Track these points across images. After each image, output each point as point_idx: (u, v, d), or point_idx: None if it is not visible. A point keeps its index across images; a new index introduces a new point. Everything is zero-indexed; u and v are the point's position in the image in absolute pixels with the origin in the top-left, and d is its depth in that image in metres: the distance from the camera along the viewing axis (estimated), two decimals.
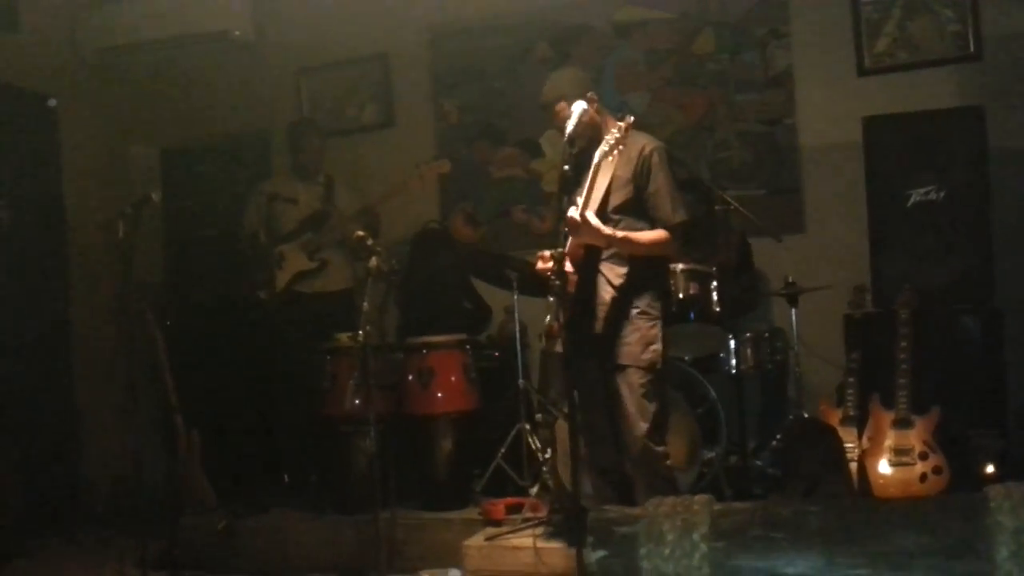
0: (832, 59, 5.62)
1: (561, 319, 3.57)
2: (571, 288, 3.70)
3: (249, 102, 6.74)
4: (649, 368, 3.80)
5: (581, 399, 3.90)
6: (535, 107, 4.07)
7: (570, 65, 5.28)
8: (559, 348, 3.77)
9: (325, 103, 6.77)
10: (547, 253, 3.66)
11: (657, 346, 3.83)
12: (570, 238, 3.71)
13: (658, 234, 3.80)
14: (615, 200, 3.72)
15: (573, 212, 3.63)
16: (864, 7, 5.57)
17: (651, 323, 3.83)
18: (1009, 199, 4.98)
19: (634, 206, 3.80)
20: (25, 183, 6.28)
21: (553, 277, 3.56)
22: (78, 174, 6.63)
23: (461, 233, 5.93)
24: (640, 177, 3.78)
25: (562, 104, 3.85)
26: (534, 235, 6.07)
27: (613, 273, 3.83)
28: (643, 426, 3.77)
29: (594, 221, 3.63)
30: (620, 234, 3.72)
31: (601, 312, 3.81)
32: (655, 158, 3.83)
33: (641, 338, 3.79)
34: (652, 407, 3.80)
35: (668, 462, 3.89)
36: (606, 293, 3.82)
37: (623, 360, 3.79)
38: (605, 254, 3.84)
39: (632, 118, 3.62)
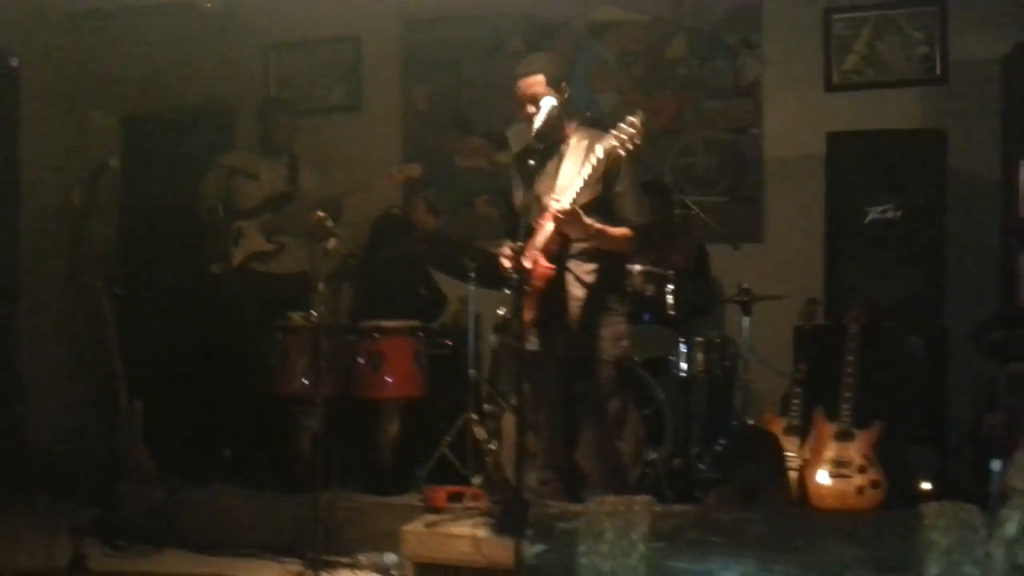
0: (801, 72, 5.67)
1: (515, 312, 3.57)
2: (540, 282, 3.70)
3: (215, 75, 6.66)
4: (616, 363, 3.83)
5: (538, 393, 3.94)
6: (505, 99, 4.05)
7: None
8: (530, 344, 3.78)
9: (292, 81, 6.71)
10: (508, 248, 3.67)
11: (625, 341, 3.89)
12: (542, 231, 3.71)
13: (624, 231, 3.82)
14: (583, 197, 3.72)
15: (559, 204, 3.62)
16: (835, 23, 5.63)
17: (619, 319, 3.87)
18: (964, 223, 5.07)
19: (599, 204, 3.80)
20: None
21: (512, 269, 3.56)
22: (36, 136, 6.52)
23: (421, 220, 5.90)
24: (611, 174, 3.75)
25: (537, 79, 3.81)
26: (497, 227, 6.06)
27: (581, 270, 3.84)
28: (605, 420, 3.79)
29: (581, 213, 3.64)
30: (598, 227, 3.72)
31: (573, 307, 3.82)
32: (623, 156, 3.84)
33: (612, 333, 3.83)
34: (616, 402, 3.85)
35: (624, 459, 3.91)
36: (577, 289, 3.83)
37: (592, 354, 3.80)
38: (573, 250, 3.83)
39: (643, 115, 3.57)
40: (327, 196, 5.59)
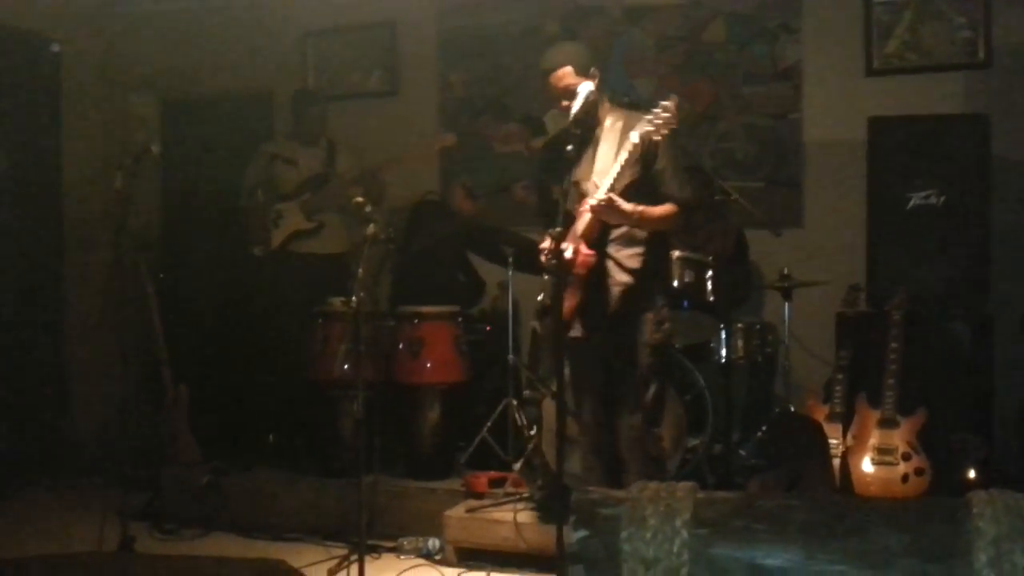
0: (841, 57, 5.62)
1: (554, 299, 3.58)
2: (581, 270, 3.71)
3: (254, 61, 6.70)
4: (657, 348, 3.83)
5: (579, 379, 3.94)
6: (541, 84, 4.04)
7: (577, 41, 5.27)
8: (573, 331, 3.78)
9: (330, 67, 6.73)
10: (548, 238, 3.68)
11: (668, 326, 3.88)
12: (582, 218, 3.71)
13: (668, 208, 3.80)
14: (621, 183, 3.72)
15: (598, 195, 3.62)
16: (876, 7, 5.57)
17: (662, 304, 3.86)
18: (1008, 208, 5.02)
19: (640, 185, 3.79)
20: (24, 128, 6.25)
21: (550, 256, 3.57)
22: (78, 122, 6.61)
23: (459, 206, 5.91)
24: (648, 155, 3.75)
25: (565, 71, 3.81)
26: (534, 212, 6.07)
27: (623, 255, 3.83)
28: (643, 406, 3.80)
29: (619, 201, 3.64)
30: (639, 209, 3.72)
31: (616, 292, 3.82)
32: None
33: (653, 318, 3.83)
34: (654, 388, 3.84)
35: (662, 445, 3.92)
36: (620, 274, 3.82)
37: (634, 339, 3.80)
38: (613, 234, 3.83)
39: (676, 98, 3.59)
40: (364, 168, 5.64)
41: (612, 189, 3.64)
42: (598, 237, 3.77)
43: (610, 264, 3.83)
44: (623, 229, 3.82)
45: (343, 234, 5.75)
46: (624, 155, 3.61)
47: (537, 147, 6.04)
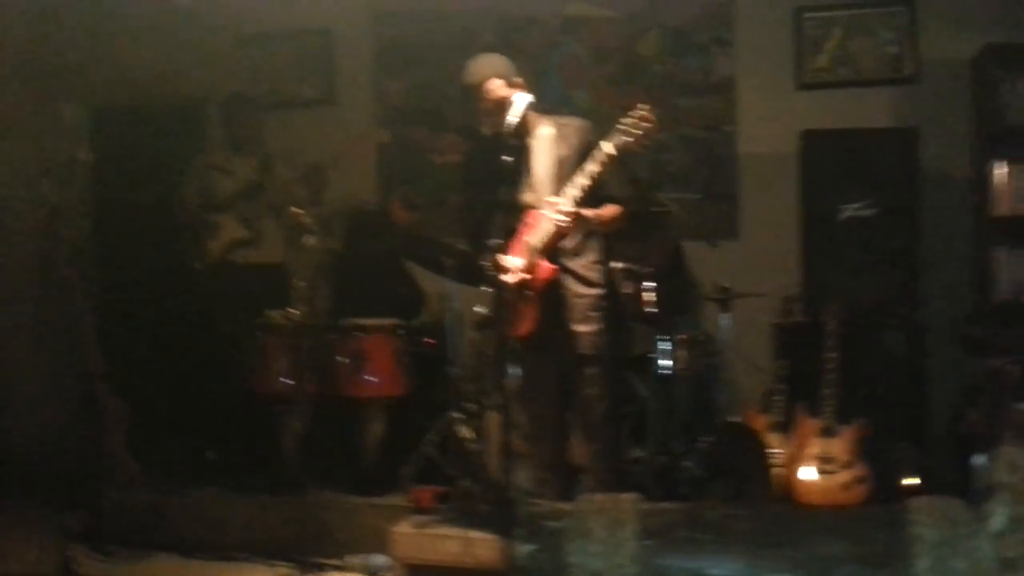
0: (773, 70, 5.72)
1: (497, 311, 3.59)
2: (541, 285, 3.71)
3: (187, 67, 6.57)
4: (618, 358, 3.92)
5: (532, 392, 3.97)
6: (466, 98, 4.05)
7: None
8: (534, 346, 3.79)
9: (264, 74, 6.66)
10: (503, 258, 3.70)
11: (626, 337, 3.91)
12: (536, 231, 3.71)
13: (615, 208, 3.82)
14: (565, 187, 3.72)
15: (562, 209, 3.60)
16: (806, 22, 5.69)
17: (619, 314, 3.90)
18: (937, 220, 5.15)
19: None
20: None
21: (490, 267, 3.57)
22: (6, 129, 6.43)
23: (398, 217, 5.89)
24: (587, 158, 3.73)
25: (494, 83, 3.83)
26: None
27: (578, 265, 3.85)
28: (605, 416, 3.83)
29: (584, 212, 3.64)
30: (596, 213, 3.72)
31: (578, 304, 3.83)
32: (596, 139, 3.81)
33: (612, 328, 3.87)
34: (616, 397, 3.94)
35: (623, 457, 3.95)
36: (579, 287, 3.84)
37: (590, 352, 3.82)
38: (566, 245, 3.83)
39: (649, 105, 3.54)
40: (307, 166, 5.57)
41: (577, 201, 3.63)
42: (555, 249, 3.78)
43: (568, 277, 3.83)
44: (571, 239, 3.82)
45: (279, 243, 5.69)
46: (593, 167, 3.58)
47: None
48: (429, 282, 5.65)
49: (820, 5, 5.66)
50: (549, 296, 3.77)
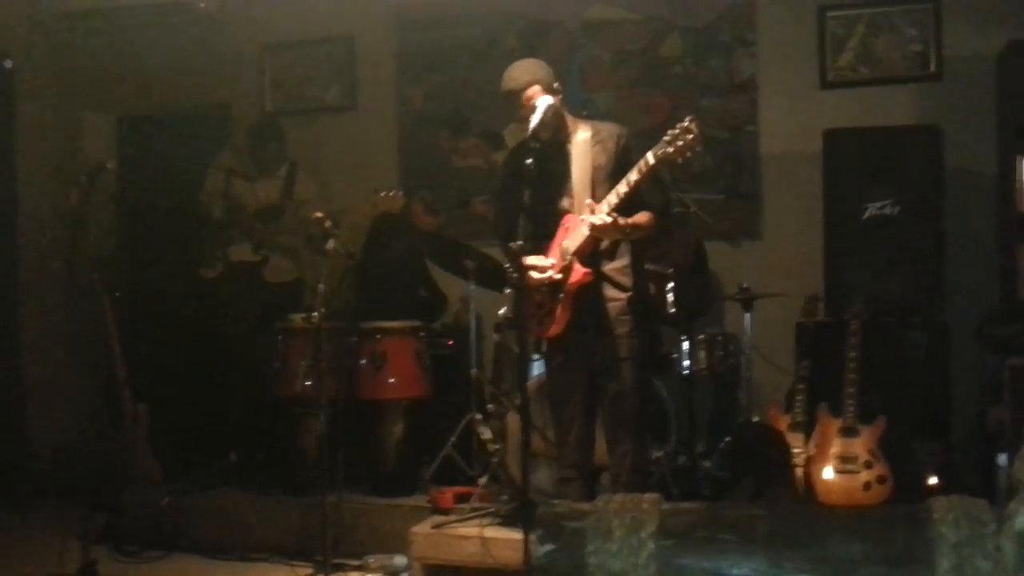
0: (796, 70, 5.69)
1: (517, 312, 3.58)
2: (575, 288, 3.71)
3: (210, 75, 6.65)
4: (644, 362, 3.85)
5: (557, 396, 3.96)
6: (500, 99, 4.04)
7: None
8: (560, 349, 3.79)
9: (287, 82, 6.71)
10: (536, 260, 3.71)
11: (656, 340, 3.89)
12: (573, 236, 3.71)
13: (649, 215, 3.78)
14: (602, 192, 3.71)
15: (596, 216, 3.59)
16: (829, 21, 5.65)
17: (651, 317, 3.88)
18: (962, 218, 5.10)
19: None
20: None
21: (511, 270, 3.56)
22: (32, 139, 6.52)
23: (420, 220, 5.90)
24: (624, 165, 3.70)
25: (535, 89, 3.80)
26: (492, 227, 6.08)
27: (611, 269, 3.83)
28: (636, 418, 3.81)
29: (620, 219, 3.61)
30: (631, 222, 3.68)
31: (611, 308, 3.81)
32: (631, 144, 3.85)
33: (640, 332, 3.83)
34: (645, 400, 3.89)
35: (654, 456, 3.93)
36: (613, 291, 3.82)
37: (623, 354, 3.79)
38: (601, 249, 3.81)
39: (697, 119, 3.46)
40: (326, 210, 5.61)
41: (614, 208, 3.61)
42: (590, 254, 3.78)
43: (601, 281, 3.81)
44: (606, 242, 3.82)
45: (289, 265, 5.71)
46: (633, 175, 3.54)
47: (498, 161, 6.06)
48: (450, 285, 5.67)
49: (843, 3, 5.62)
50: (581, 299, 3.75)
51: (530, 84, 3.82)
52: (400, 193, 5.33)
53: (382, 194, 5.07)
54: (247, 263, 5.59)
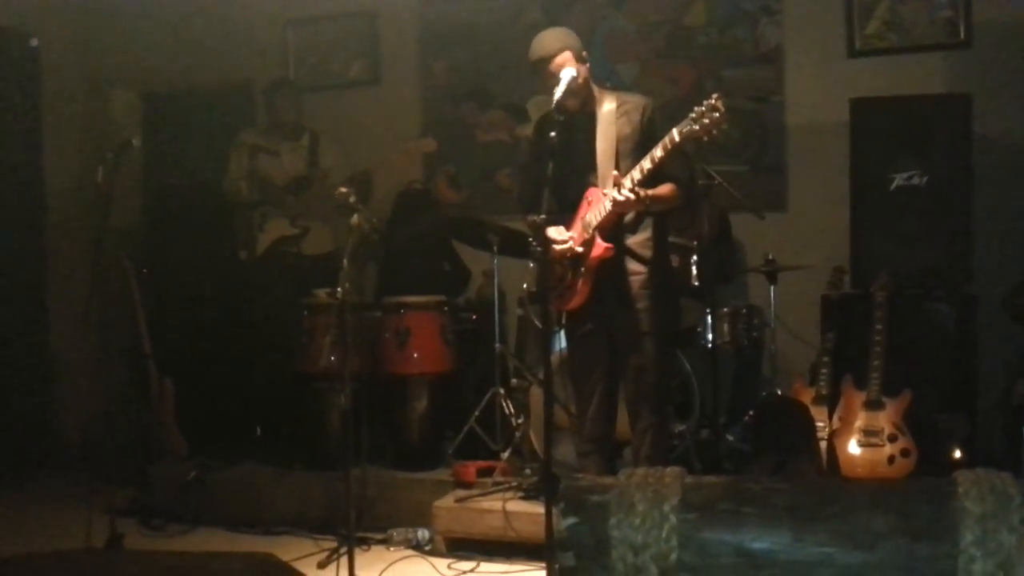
0: (822, 39, 5.62)
1: (540, 286, 3.57)
2: (598, 262, 3.70)
3: (235, 51, 6.66)
4: (669, 335, 3.85)
5: (577, 369, 3.98)
6: (523, 71, 4.01)
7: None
8: (583, 323, 3.81)
9: (311, 57, 6.71)
10: (556, 232, 3.71)
11: (678, 313, 3.90)
12: (595, 209, 3.70)
13: (671, 187, 3.77)
14: (627, 165, 3.70)
15: (623, 191, 3.58)
16: None
17: (672, 291, 3.86)
18: (991, 188, 5.02)
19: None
20: (4, 124, 6.20)
21: (534, 243, 3.55)
22: (58, 117, 6.56)
23: (444, 195, 5.91)
24: (649, 138, 3.71)
25: (565, 56, 3.78)
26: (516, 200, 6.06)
27: (634, 243, 3.82)
28: (658, 393, 3.81)
29: (643, 193, 3.61)
30: (652, 194, 3.67)
31: (633, 282, 3.81)
32: (656, 116, 3.85)
33: (666, 306, 3.84)
34: (666, 374, 3.89)
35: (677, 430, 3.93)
36: (635, 264, 3.81)
37: (644, 328, 3.79)
38: (624, 222, 3.80)
39: (723, 96, 3.46)
40: (355, 171, 5.61)
41: (637, 183, 3.60)
42: (613, 228, 3.76)
43: (623, 254, 3.80)
44: (629, 215, 3.80)
45: (328, 234, 5.72)
46: (658, 151, 3.54)
47: (522, 135, 6.03)
48: (474, 259, 5.66)
49: None
50: (602, 272, 3.74)
51: (560, 51, 3.80)
52: (430, 138, 5.31)
53: (411, 143, 5.03)
54: (287, 238, 5.60)
